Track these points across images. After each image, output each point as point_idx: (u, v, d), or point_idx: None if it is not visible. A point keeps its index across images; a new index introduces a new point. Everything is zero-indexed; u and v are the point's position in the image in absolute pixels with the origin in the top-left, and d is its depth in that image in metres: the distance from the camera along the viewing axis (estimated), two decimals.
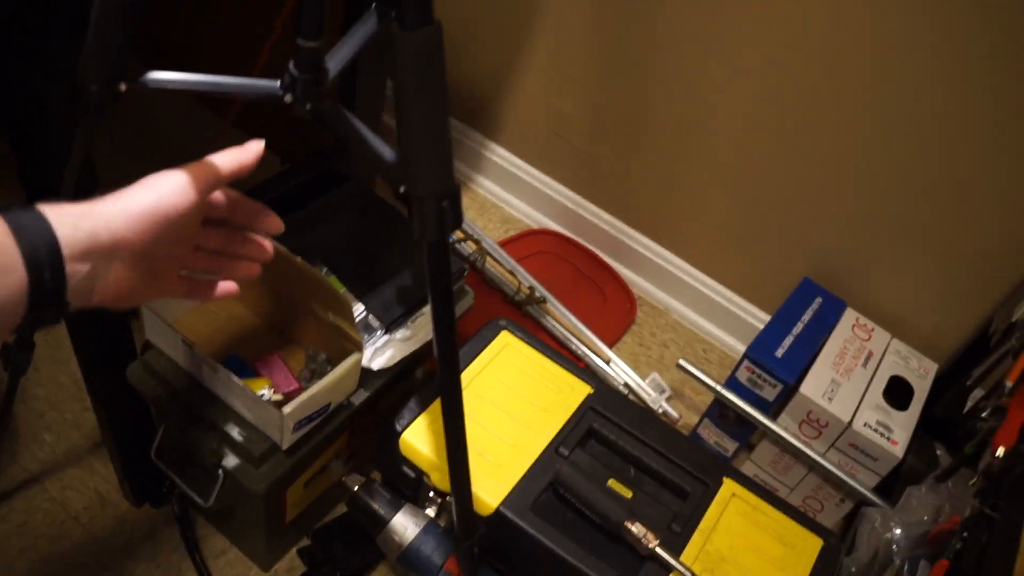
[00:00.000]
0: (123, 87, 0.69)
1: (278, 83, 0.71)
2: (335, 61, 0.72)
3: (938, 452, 1.16)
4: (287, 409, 0.88)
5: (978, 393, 1.13)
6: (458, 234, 1.66)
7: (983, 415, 1.04)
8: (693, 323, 1.68)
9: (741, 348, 1.63)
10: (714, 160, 1.49)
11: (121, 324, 0.98)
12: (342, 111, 0.71)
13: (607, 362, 1.53)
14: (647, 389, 1.50)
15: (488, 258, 1.63)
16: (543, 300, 1.59)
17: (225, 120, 1.41)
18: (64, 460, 1.28)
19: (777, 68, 1.34)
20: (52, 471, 1.26)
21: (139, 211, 0.55)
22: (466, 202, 1.81)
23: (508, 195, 1.81)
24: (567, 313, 1.57)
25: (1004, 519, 0.77)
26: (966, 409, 1.12)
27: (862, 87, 1.28)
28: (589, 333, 1.55)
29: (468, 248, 1.64)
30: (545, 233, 1.76)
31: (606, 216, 1.70)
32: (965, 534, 0.85)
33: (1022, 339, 1.04)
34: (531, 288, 1.60)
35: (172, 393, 0.99)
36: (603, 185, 1.67)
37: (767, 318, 1.58)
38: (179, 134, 1.68)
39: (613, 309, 1.66)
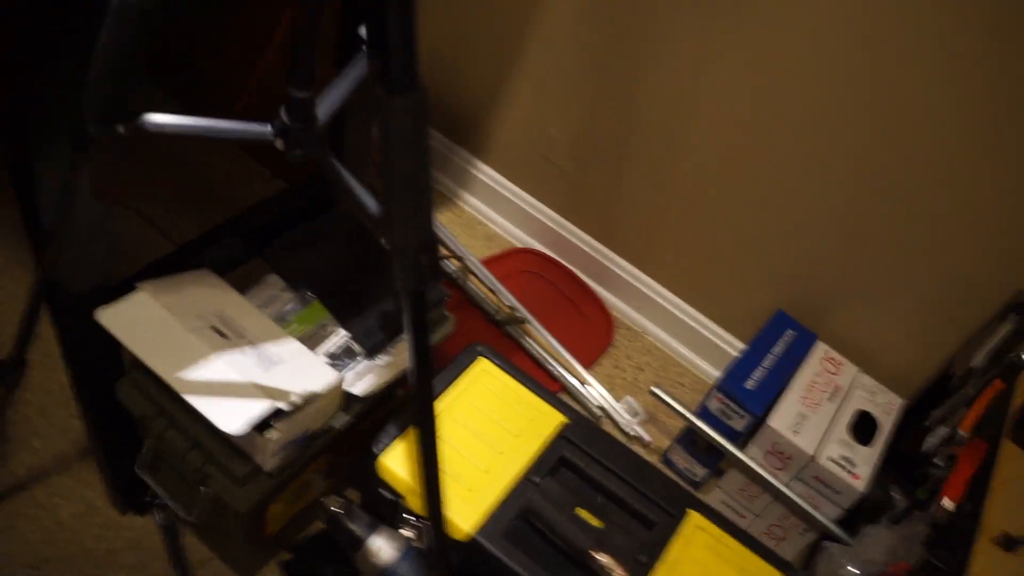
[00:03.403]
0: (121, 129, 0.72)
1: (269, 127, 0.74)
2: (325, 107, 0.76)
3: (892, 494, 1.20)
4: (270, 435, 0.92)
5: (937, 435, 1.17)
6: (443, 251, 1.70)
7: (936, 461, 1.08)
8: (669, 347, 1.72)
9: (714, 373, 1.67)
10: (694, 191, 1.53)
11: (111, 339, 1.01)
12: (331, 159, 0.74)
13: (583, 384, 1.57)
14: (621, 412, 1.54)
15: (471, 276, 1.67)
16: (523, 320, 1.62)
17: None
18: (52, 467, 1.30)
19: (755, 108, 1.38)
20: (40, 477, 1.29)
21: None
22: (451, 218, 1.85)
23: (493, 213, 1.85)
24: (546, 334, 1.61)
25: (950, 572, 0.82)
26: (923, 450, 1.16)
27: (837, 132, 1.32)
28: (567, 355, 1.59)
29: (451, 265, 1.67)
30: (528, 252, 1.80)
31: (588, 239, 1.74)
32: None
33: (977, 387, 1.08)
34: (512, 308, 1.63)
35: (159, 411, 1.02)
36: (587, 208, 1.71)
37: (741, 345, 1.62)
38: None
39: (592, 330, 1.70)
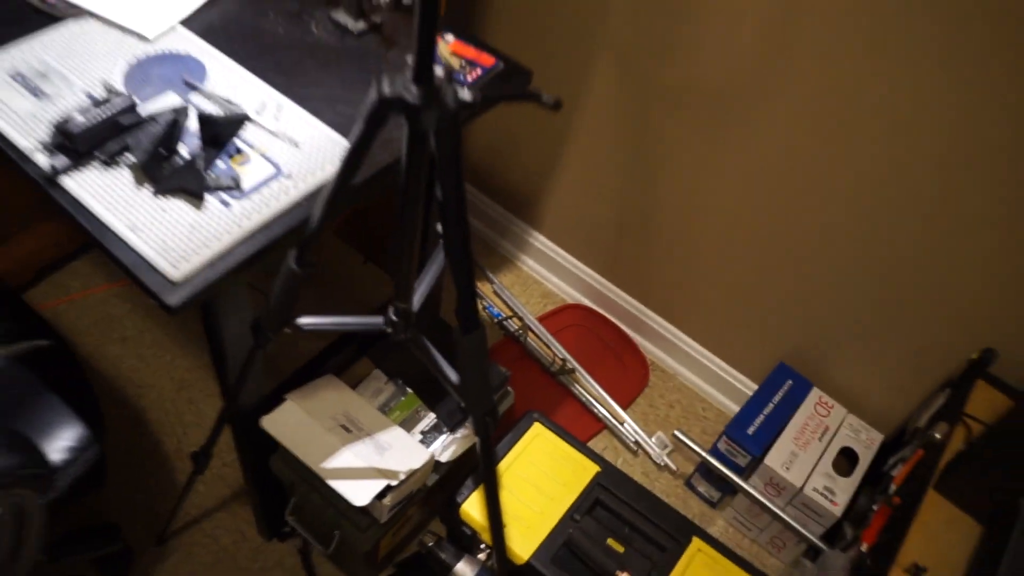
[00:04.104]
0: (287, 331, 1.12)
1: (382, 320, 1.13)
2: (416, 297, 1.14)
3: (844, 527, 1.55)
4: (385, 502, 1.32)
5: (888, 475, 1.51)
6: (505, 311, 2.08)
7: (873, 506, 1.42)
8: (695, 385, 2.08)
9: (733, 406, 2.03)
10: (710, 258, 1.87)
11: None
12: (423, 340, 1.12)
13: (621, 423, 1.94)
14: (653, 446, 1.91)
15: (529, 333, 2.05)
16: (573, 370, 2.00)
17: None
18: (213, 506, 1.73)
19: (750, 193, 1.71)
20: (206, 515, 1.72)
21: None
22: (512, 279, 2.22)
23: (548, 273, 2.22)
24: (592, 381, 1.98)
25: None
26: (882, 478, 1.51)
27: (826, 216, 1.65)
28: (609, 399, 1.96)
29: (513, 325, 2.05)
30: (577, 307, 2.17)
31: (627, 296, 2.10)
32: None
33: (914, 449, 1.42)
34: (563, 360, 2.01)
35: (302, 479, 1.43)
36: (624, 271, 2.07)
37: (752, 384, 1.97)
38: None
39: (630, 375, 2.07)
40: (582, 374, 2.00)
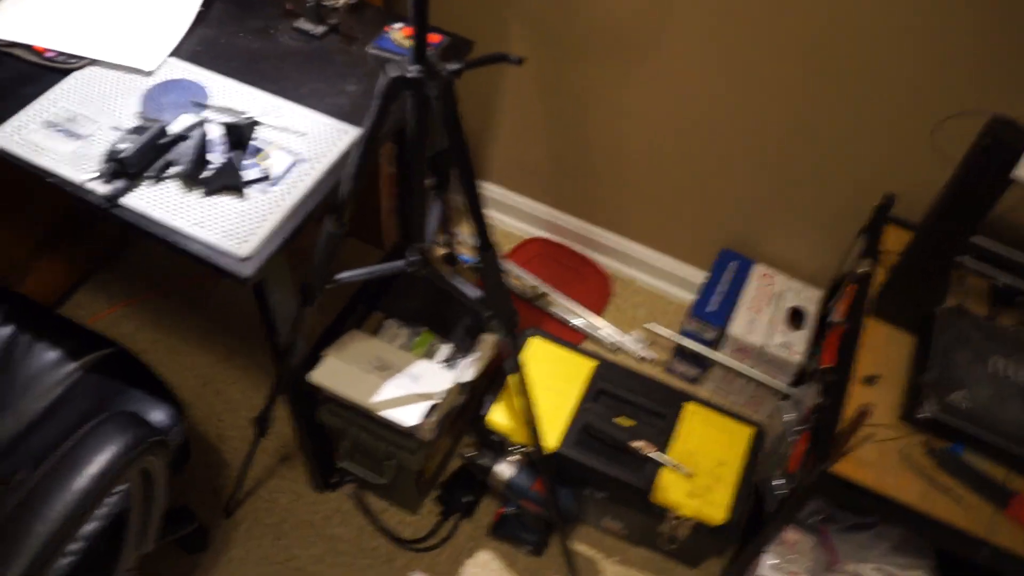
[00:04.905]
0: (328, 286, 1.34)
1: (403, 262, 1.35)
2: (428, 236, 1.37)
3: (810, 361, 1.84)
4: (431, 419, 1.55)
5: (830, 317, 1.79)
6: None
7: (822, 340, 1.71)
8: (652, 286, 2.35)
9: (689, 296, 2.30)
10: (643, 166, 2.13)
11: (312, 389, 1.64)
12: (440, 274, 1.36)
13: (599, 329, 2.20)
14: (631, 344, 2.18)
15: None
16: (545, 294, 2.25)
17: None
18: (264, 476, 1.95)
19: (670, 104, 1.97)
20: (260, 484, 1.93)
21: None
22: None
23: (503, 216, 2.46)
24: (564, 300, 2.23)
25: (829, 406, 1.45)
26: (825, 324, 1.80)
27: (733, 112, 1.91)
28: (582, 310, 2.22)
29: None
30: (535, 241, 2.42)
31: (576, 220, 2.35)
32: (814, 415, 1.54)
33: (843, 288, 1.71)
34: (534, 287, 2.26)
35: (350, 423, 1.65)
36: (570, 199, 2.32)
37: (702, 273, 2.24)
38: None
39: (595, 289, 2.33)
40: (554, 295, 2.25)
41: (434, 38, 1.55)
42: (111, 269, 2.31)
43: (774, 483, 1.63)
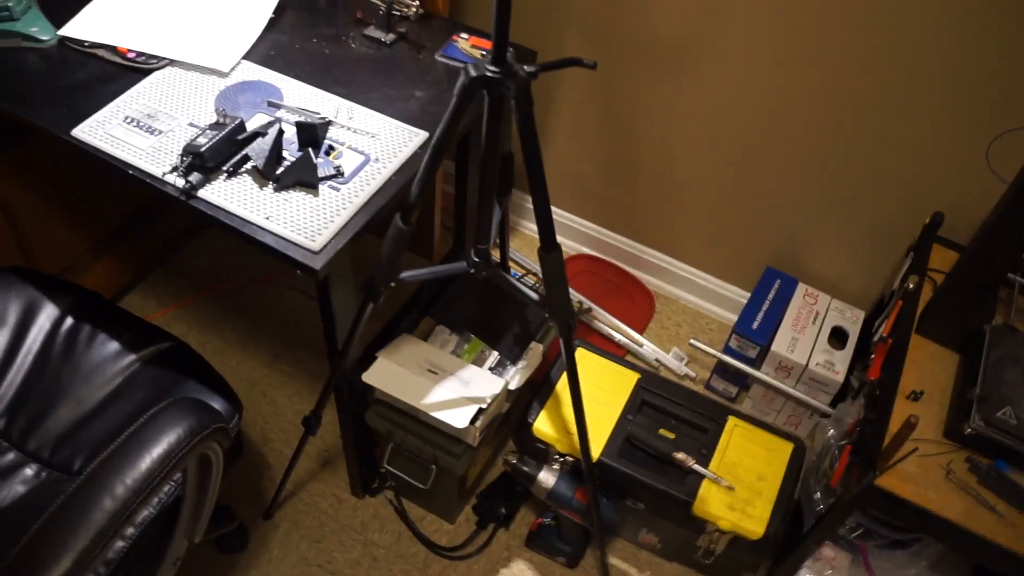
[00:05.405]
0: (393, 284, 1.38)
1: (465, 264, 1.39)
2: (491, 240, 1.40)
3: (852, 378, 1.85)
4: (477, 424, 1.58)
5: (876, 335, 1.81)
6: (520, 271, 2.35)
7: (871, 355, 1.72)
8: (696, 304, 2.37)
9: (731, 316, 2.32)
10: (691, 189, 2.16)
11: (363, 391, 1.67)
12: (502, 275, 1.39)
13: (640, 346, 2.22)
14: (672, 360, 2.20)
15: None
16: (589, 309, 2.28)
17: None
18: (306, 479, 1.98)
19: (718, 124, 2.00)
20: (301, 487, 1.96)
21: None
22: (519, 243, 2.50)
23: None
24: (608, 316, 2.26)
25: (875, 420, 1.46)
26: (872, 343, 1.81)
27: (781, 130, 1.94)
28: (625, 327, 2.24)
29: (531, 281, 2.32)
30: (581, 257, 2.45)
31: (622, 238, 2.38)
32: (859, 429, 1.55)
33: (892, 305, 1.72)
34: (579, 302, 2.29)
35: (398, 426, 1.68)
36: (616, 217, 2.35)
37: (745, 293, 2.26)
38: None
39: (639, 305, 2.35)
40: (599, 311, 2.27)
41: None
42: (164, 272, 2.36)
43: (815, 497, 1.64)
